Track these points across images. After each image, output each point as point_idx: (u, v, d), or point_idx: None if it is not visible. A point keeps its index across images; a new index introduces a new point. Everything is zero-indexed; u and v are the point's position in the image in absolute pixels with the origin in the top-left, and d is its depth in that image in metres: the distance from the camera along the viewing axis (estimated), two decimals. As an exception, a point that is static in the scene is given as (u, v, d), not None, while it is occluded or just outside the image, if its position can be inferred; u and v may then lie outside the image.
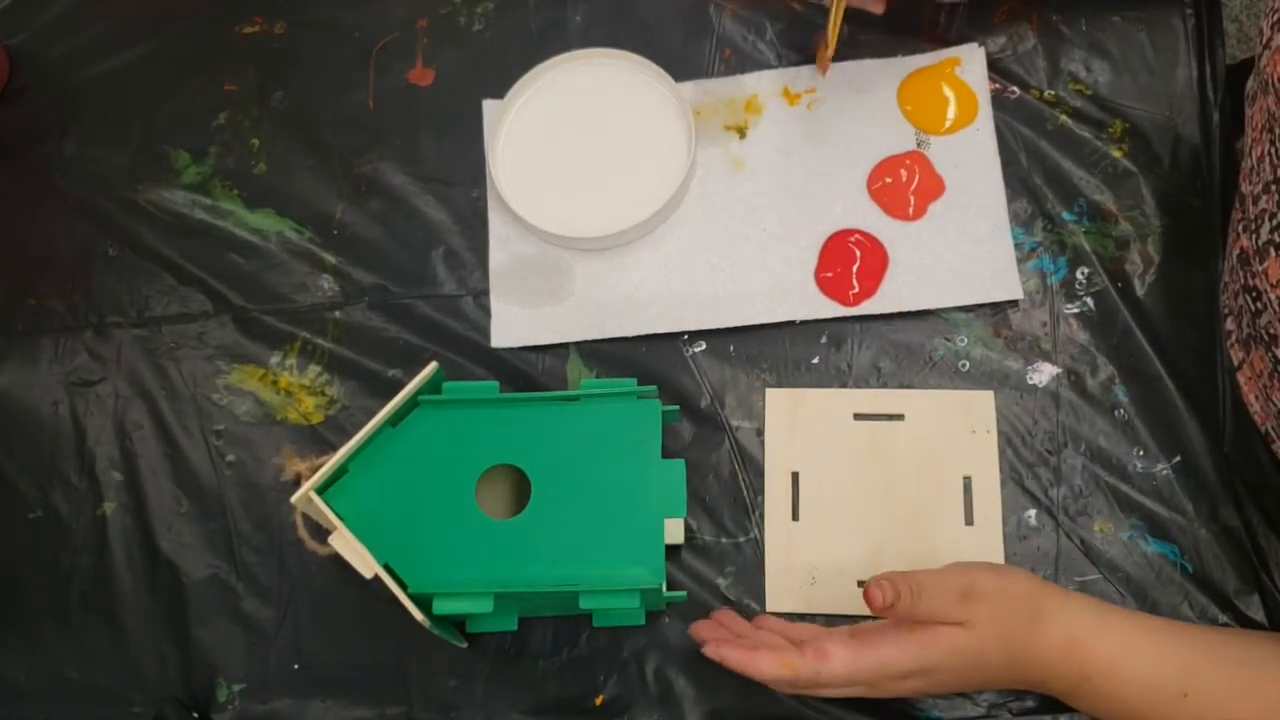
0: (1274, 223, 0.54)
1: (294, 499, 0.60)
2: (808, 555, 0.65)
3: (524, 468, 0.62)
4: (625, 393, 0.62)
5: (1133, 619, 0.57)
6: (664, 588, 0.60)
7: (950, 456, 0.66)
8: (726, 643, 0.55)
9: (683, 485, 0.61)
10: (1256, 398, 0.61)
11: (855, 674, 0.54)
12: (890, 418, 0.67)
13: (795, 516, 0.66)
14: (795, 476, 0.66)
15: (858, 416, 0.67)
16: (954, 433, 0.66)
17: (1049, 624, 0.55)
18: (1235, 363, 0.63)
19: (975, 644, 0.54)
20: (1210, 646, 0.57)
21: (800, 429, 0.67)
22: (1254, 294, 0.58)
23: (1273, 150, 0.54)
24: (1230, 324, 0.64)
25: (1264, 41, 0.55)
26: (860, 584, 0.64)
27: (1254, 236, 0.56)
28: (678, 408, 0.66)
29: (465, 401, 0.63)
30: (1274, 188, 0.54)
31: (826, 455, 0.66)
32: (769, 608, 0.64)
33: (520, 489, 0.63)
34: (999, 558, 0.64)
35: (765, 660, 0.54)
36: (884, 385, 0.68)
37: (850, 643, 0.54)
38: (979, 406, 0.66)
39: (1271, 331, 0.56)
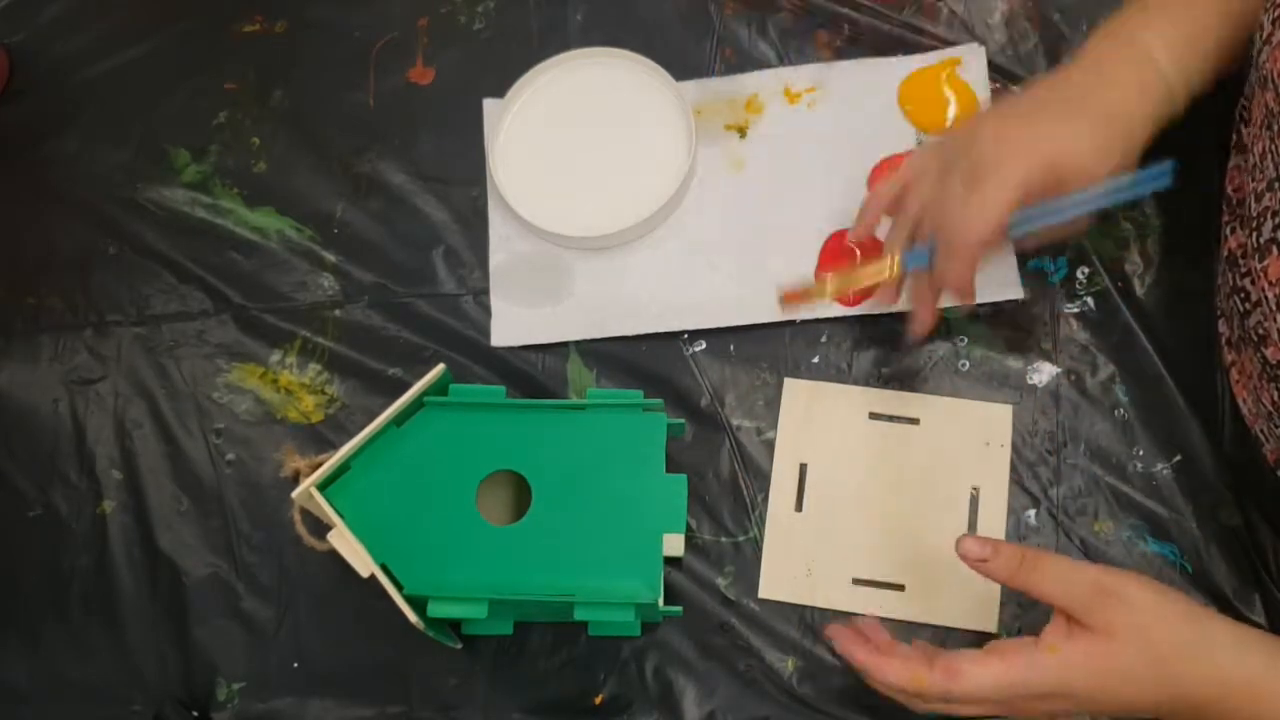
0: (1275, 220, 0.54)
1: (295, 494, 0.60)
2: (807, 547, 0.65)
3: (526, 474, 0.62)
4: (631, 404, 0.62)
5: None
6: (660, 602, 0.60)
7: (961, 466, 0.65)
8: (858, 643, 0.54)
9: (684, 501, 0.61)
10: (1246, 398, 0.61)
11: (985, 692, 0.51)
12: (905, 421, 0.66)
13: (799, 507, 0.65)
14: (803, 468, 0.66)
15: (873, 416, 0.67)
16: (967, 443, 0.66)
17: (1211, 661, 0.49)
18: (1227, 364, 0.63)
19: (1119, 663, 0.50)
20: None
21: (814, 421, 0.67)
22: (1243, 295, 0.57)
23: (1273, 147, 0.53)
24: (1222, 325, 0.63)
25: (1264, 36, 0.54)
26: (856, 581, 0.64)
27: (1254, 235, 0.56)
28: (683, 421, 0.66)
29: (471, 405, 0.63)
30: (1277, 185, 0.53)
31: (837, 450, 0.66)
32: (762, 594, 0.64)
33: (521, 495, 0.63)
34: None
35: (894, 668, 0.52)
36: (884, 385, 0.68)
37: (982, 659, 0.51)
38: (996, 420, 0.66)
39: (1260, 332, 0.56)
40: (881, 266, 0.63)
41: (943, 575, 0.63)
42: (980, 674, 0.51)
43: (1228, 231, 0.60)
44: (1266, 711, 0.49)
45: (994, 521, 0.64)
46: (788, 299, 0.65)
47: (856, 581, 0.64)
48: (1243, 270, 0.57)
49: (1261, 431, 0.60)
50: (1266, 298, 0.54)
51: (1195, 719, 0.51)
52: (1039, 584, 0.52)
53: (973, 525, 0.64)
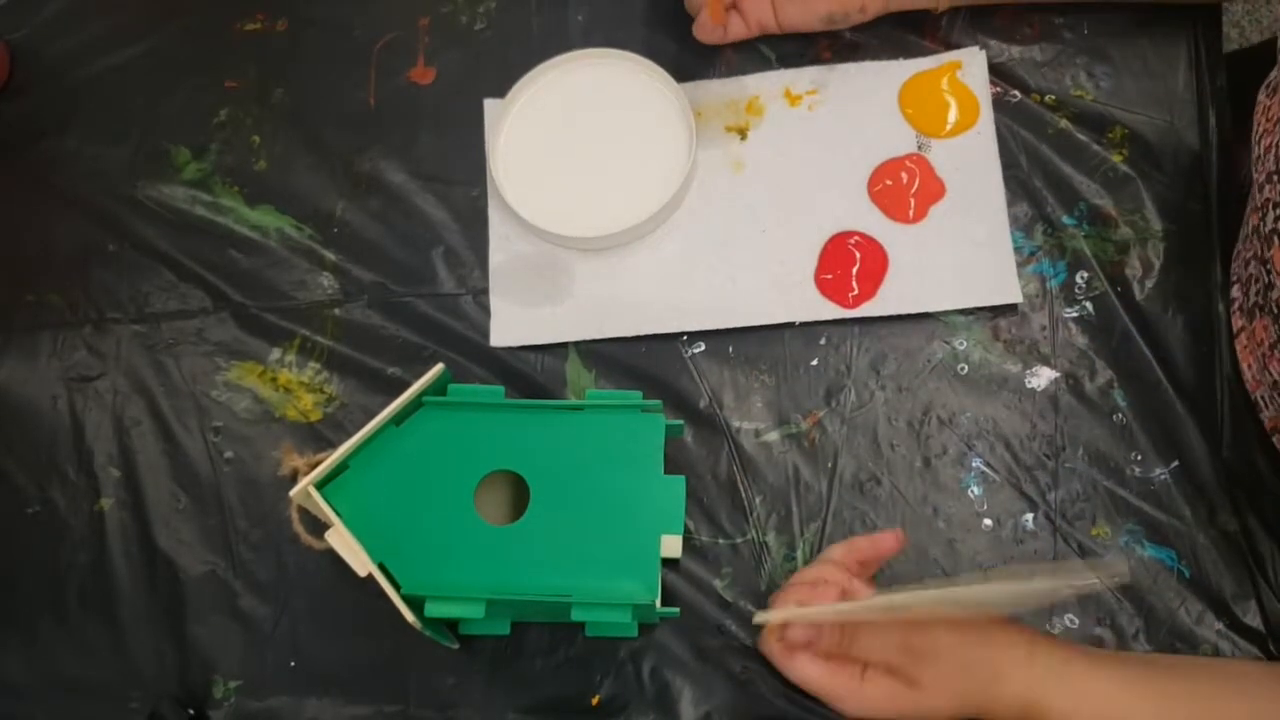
0: (1277, 212, 0.55)
1: (293, 493, 0.60)
2: None
3: (524, 474, 0.62)
4: (630, 405, 0.62)
5: (1099, 673, 0.57)
6: (658, 603, 0.60)
7: None
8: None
9: (682, 501, 0.61)
10: (1251, 364, 0.61)
11: (808, 684, 0.59)
12: None
13: None
14: None
15: None
16: None
17: (1006, 688, 0.56)
18: (1235, 329, 0.63)
19: (921, 707, 0.57)
20: (1183, 679, 0.58)
21: None
22: (1267, 265, 0.58)
23: (1277, 143, 0.54)
24: (1236, 291, 0.64)
25: None
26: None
27: (1262, 222, 0.57)
28: (681, 422, 0.66)
29: (469, 405, 0.63)
30: (1276, 178, 0.55)
31: None
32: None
33: (519, 495, 0.63)
34: None
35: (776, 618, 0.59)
36: (882, 388, 0.68)
37: (813, 662, 0.58)
38: None
39: None
40: None
41: None
42: (807, 669, 0.58)
43: (1254, 205, 0.61)
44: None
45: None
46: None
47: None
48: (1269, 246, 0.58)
49: (1263, 398, 0.61)
50: (1277, 284, 0.55)
51: None
52: (864, 653, 0.58)
53: None
